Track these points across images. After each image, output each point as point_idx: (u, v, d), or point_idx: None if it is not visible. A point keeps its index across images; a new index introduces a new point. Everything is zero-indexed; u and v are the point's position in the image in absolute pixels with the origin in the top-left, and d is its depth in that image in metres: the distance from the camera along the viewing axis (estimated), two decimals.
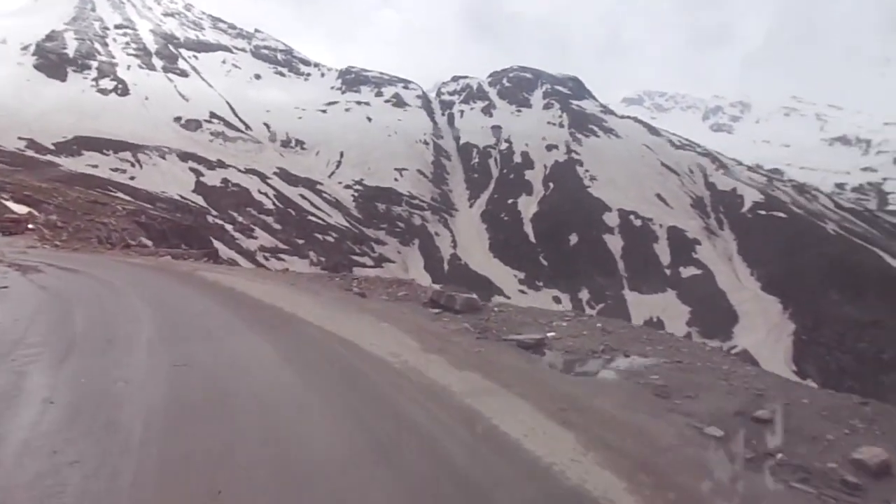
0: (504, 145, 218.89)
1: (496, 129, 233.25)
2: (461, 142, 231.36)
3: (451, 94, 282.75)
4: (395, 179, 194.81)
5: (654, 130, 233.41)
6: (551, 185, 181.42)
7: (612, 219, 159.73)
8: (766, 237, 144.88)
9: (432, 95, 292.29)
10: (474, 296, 13.58)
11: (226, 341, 9.26)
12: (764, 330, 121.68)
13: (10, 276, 17.89)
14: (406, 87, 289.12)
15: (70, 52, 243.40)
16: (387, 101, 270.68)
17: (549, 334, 10.70)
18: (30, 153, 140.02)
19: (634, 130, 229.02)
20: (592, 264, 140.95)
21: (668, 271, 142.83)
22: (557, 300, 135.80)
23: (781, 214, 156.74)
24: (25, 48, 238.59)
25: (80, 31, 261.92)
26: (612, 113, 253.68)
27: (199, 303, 13.33)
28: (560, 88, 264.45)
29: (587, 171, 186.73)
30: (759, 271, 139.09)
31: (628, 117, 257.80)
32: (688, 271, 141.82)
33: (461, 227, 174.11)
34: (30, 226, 55.34)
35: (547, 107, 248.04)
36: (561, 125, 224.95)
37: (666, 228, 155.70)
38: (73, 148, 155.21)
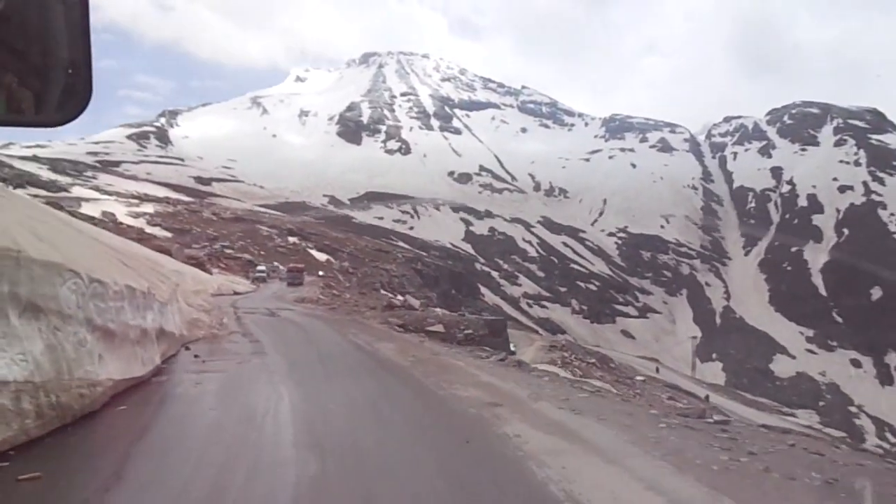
0: (786, 188, 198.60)
1: (776, 170, 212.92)
2: (734, 185, 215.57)
3: (722, 135, 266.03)
4: (661, 226, 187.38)
5: None
6: (846, 230, 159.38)
7: None
8: None
9: (701, 138, 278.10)
10: None
11: None
12: None
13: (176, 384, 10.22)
14: (673, 132, 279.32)
15: (365, 119, 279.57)
16: (652, 147, 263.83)
17: None
18: (330, 208, 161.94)
19: None
20: None
21: None
22: (857, 363, 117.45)
23: None
24: (331, 119, 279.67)
25: (373, 100, 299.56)
26: None
27: None
28: (855, 122, 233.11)
29: (892, 214, 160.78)
30: None
31: None
32: None
33: (735, 278, 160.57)
34: (320, 272, 62.86)
35: (839, 143, 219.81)
36: (857, 163, 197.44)
37: None
38: (364, 202, 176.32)
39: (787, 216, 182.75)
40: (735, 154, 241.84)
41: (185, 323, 14.74)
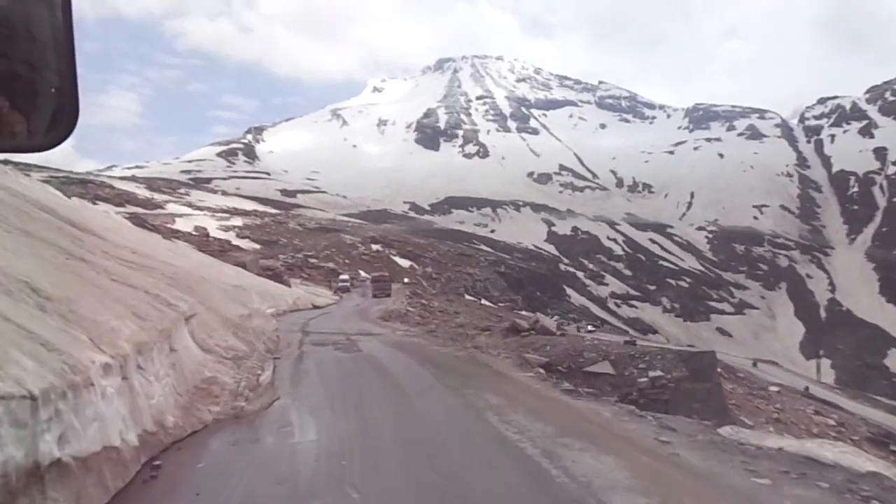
0: (892, 169, 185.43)
1: (880, 151, 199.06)
2: (833, 170, 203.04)
3: (817, 118, 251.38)
4: (755, 217, 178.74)
5: None
6: None
7: None
8: None
9: (794, 122, 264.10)
10: None
11: None
12: None
13: None
14: (762, 118, 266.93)
15: (442, 124, 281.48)
16: (740, 135, 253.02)
17: None
18: (412, 214, 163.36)
19: None
20: None
21: None
22: None
23: None
24: (408, 126, 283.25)
25: (450, 106, 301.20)
26: None
27: None
28: None
29: None
30: None
31: None
32: None
33: (840, 268, 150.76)
34: (405, 279, 62.35)
35: None
36: None
37: None
38: (444, 207, 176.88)
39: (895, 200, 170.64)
40: (832, 137, 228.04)
41: (180, 395, 7.89)
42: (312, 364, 13.56)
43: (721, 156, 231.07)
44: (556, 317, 52.69)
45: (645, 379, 14.22)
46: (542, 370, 13.93)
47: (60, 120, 1.30)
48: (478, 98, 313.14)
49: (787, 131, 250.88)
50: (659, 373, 14.48)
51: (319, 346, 16.79)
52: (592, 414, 9.43)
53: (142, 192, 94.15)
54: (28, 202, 10.96)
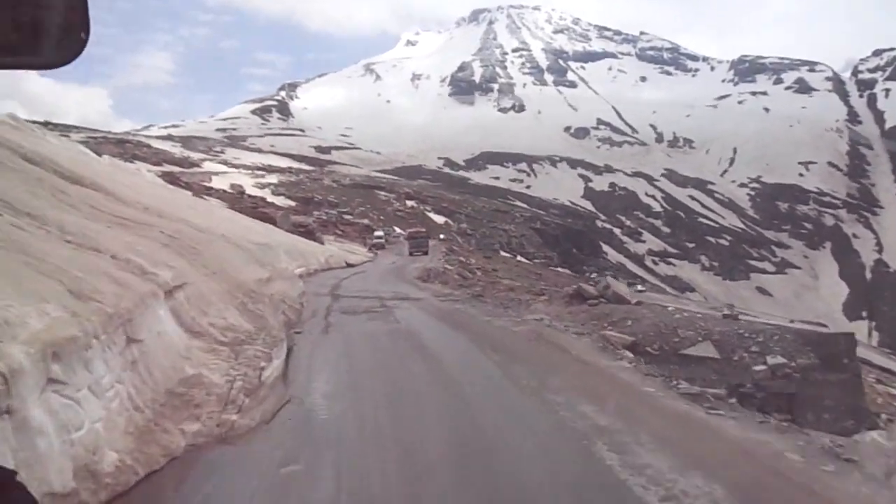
0: None
1: None
2: (887, 126, 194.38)
3: (871, 70, 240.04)
4: (800, 175, 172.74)
5: None
6: None
7: None
8: None
9: (846, 75, 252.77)
10: None
11: None
12: None
13: None
14: (811, 70, 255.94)
15: (477, 78, 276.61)
16: (787, 88, 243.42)
17: None
18: (446, 170, 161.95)
19: None
20: None
21: None
22: None
23: None
24: (443, 80, 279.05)
25: (485, 58, 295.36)
26: None
27: None
28: None
29: None
30: None
31: None
32: None
33: (889, 228, 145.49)
34: (441, 236, 61.46)
35: None
36: None
37: None
38: (479, 163, 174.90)
39: None
40: (887, 91, 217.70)
41: (139, 411, 5.17)
42: (340, 343, 11.13)
43: (767, 110, 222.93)
44: (594, 274, 51.36)
45: (762, 367, 11.15)
46: (626, 351, 11.07)
47: (71, 36, 1.21)
48: (514, 50, 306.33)
49: (838, 85, 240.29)
50: (780, 359, 11.27)
51: (350, 314, 14.54)
52: (767, 452, 5.51)
53: (178, 150, 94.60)
54: (13, 152, 9.49)
